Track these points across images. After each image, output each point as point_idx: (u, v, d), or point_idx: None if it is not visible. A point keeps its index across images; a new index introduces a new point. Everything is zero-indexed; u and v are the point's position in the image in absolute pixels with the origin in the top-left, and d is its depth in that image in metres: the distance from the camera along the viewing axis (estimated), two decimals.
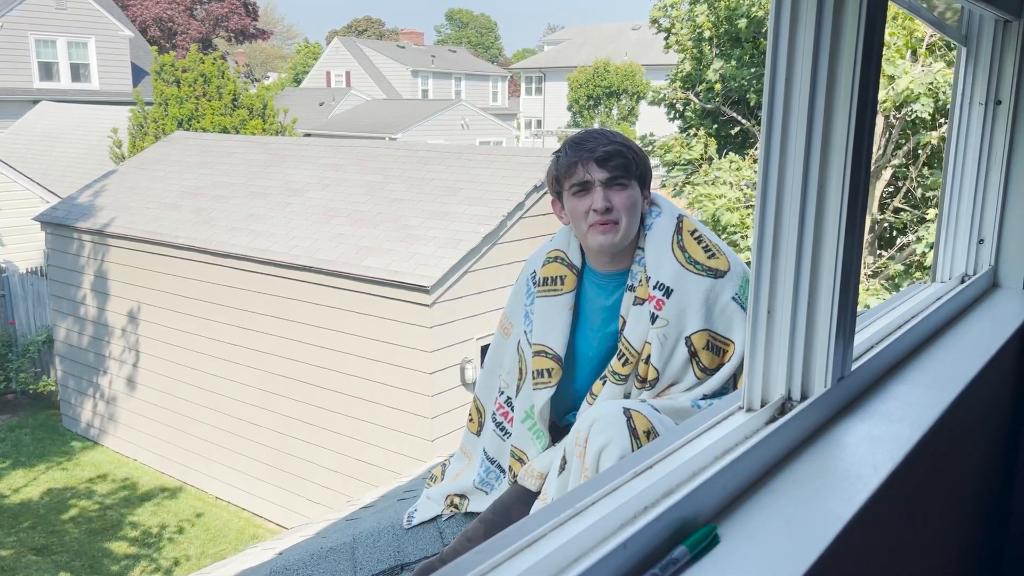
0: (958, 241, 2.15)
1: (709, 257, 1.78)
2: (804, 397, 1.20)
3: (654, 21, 11.20)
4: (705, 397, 1.77)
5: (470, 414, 2.17)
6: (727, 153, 10.55)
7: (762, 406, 1.17)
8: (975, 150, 2.11)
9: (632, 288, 1.82)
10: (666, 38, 11.14)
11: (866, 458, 1.14)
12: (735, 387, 1.80)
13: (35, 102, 20.70)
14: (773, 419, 1.15)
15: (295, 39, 65.57)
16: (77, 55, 22.69)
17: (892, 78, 8.03)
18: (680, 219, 1.83)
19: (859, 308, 1.46)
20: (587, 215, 1.77)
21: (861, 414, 1.31)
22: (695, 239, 1.80)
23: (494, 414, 2.07)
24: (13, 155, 16.41)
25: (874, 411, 1.32)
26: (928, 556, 1.52)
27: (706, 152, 10.33)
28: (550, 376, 1.89)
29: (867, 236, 9.46)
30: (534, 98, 41.29)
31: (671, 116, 11.68)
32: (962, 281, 2.10)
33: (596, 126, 31.18)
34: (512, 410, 2.02)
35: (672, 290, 1.76)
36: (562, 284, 1.89)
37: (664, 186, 10.97)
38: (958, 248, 2.15)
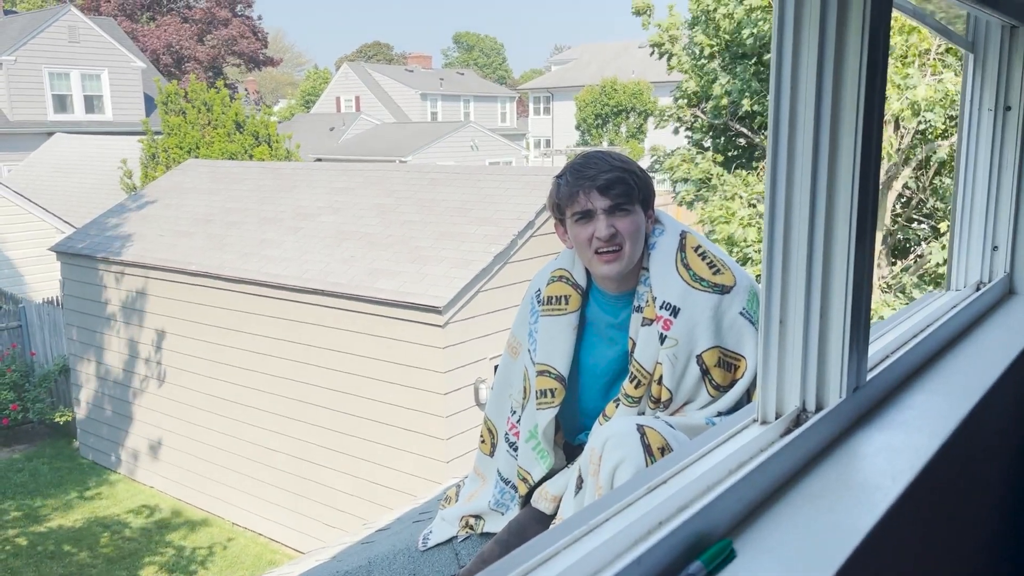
0: (972, 248, 2.13)
1: (714, 273, 1.76)
2: (819, 408, 1.18)
3: (657, 45, 11.23)
4: (720, 414, 1.75)
5: (482, 436, 2.15)
6: (735, 168, 10.53)
7: (776, 418, 1.15)
8: (986, 156, 2.09)
9: (639, 309, 1.80)
10: (668, 59, 11.17)
11: (884, 469, 1.13)
12: (749, 402, 1.78)
13: (50, 134, 21.00)
14: (788, 431, 1.13)
15: (304, 65, 66.28)
16: (90, 87, 23.03)
17: (901, 88, 8.00)
18: (683, 236, 1.81)
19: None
20: (590, 243, 1.76)
21: (878, 424, 1.29)
22: (699, 255, 1.78)
23: (507, 434, 2.05)
24: (29, 186, 16.64)
25: (891, 421, 1.30)
26: (949, 566, 1.49)
27: (714, 168, 10.31)
28: (553, 396, 1.87)
29: (879, 247, 9.40)
30: (542, 118, 41.46)
31: (676, 131, 11.72)
32: (977, 289, 2.08)
33: (604, 145, 31.24)
34: None
35: (679, 309, 1.74)
36: (566, 304, 1.88)
37: (676, 202, 10.95)
38: (972, 255, 2.13)
